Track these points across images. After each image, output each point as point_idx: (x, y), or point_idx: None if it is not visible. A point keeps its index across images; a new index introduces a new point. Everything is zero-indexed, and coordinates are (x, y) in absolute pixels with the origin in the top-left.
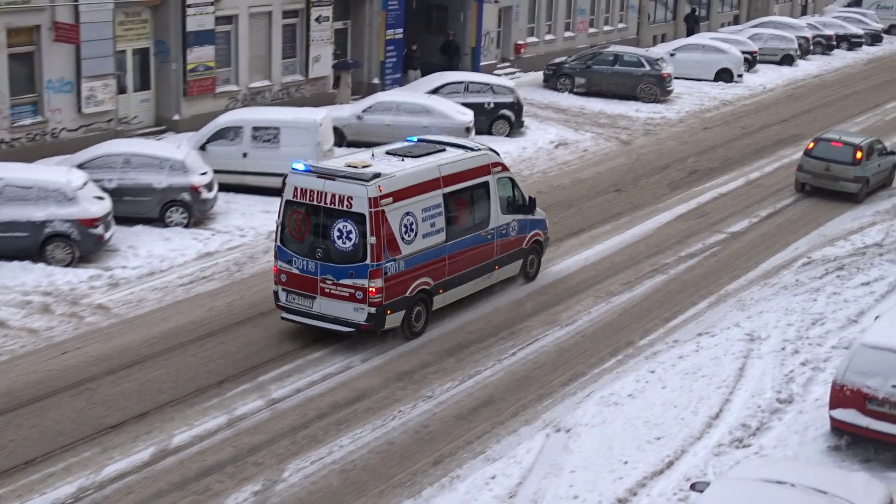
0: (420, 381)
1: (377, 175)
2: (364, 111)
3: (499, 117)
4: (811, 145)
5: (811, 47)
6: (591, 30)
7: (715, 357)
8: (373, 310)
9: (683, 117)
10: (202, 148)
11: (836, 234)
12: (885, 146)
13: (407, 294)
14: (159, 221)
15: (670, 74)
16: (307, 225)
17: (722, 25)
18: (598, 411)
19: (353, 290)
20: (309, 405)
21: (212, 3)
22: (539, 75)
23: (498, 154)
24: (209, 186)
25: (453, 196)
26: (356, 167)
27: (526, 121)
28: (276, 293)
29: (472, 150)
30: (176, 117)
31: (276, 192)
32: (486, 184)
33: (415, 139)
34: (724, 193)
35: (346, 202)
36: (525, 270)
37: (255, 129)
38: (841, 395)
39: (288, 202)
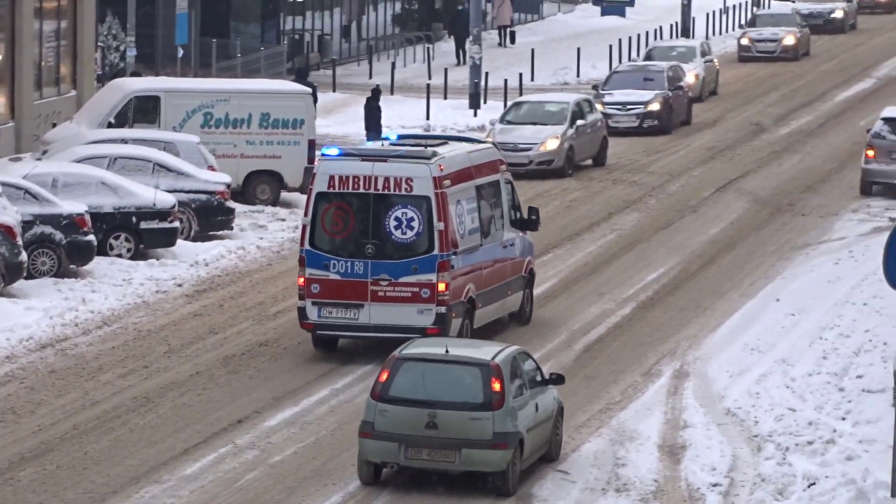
0: None
1: (435, 154)
2: None
3: None
4: (384, 377)
5: None
6: None
7: None
8: (442, 310)
9: None
10: None
11: None
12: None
13: (462, 298)
14: None
15: None
16: (351, 218)
17: None
18: None
19: (417, 289)
20: None
21: None
22: None
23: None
24: None
25: (480, 191)
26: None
27: None
28: (302, 310)
29: (477, 141)
30: None
31: None
32: (497, 183)
33: (393, 137)
34: None
35: (404, 185)
36: (523, 307)
37: None
38: None
39: (321, 195)
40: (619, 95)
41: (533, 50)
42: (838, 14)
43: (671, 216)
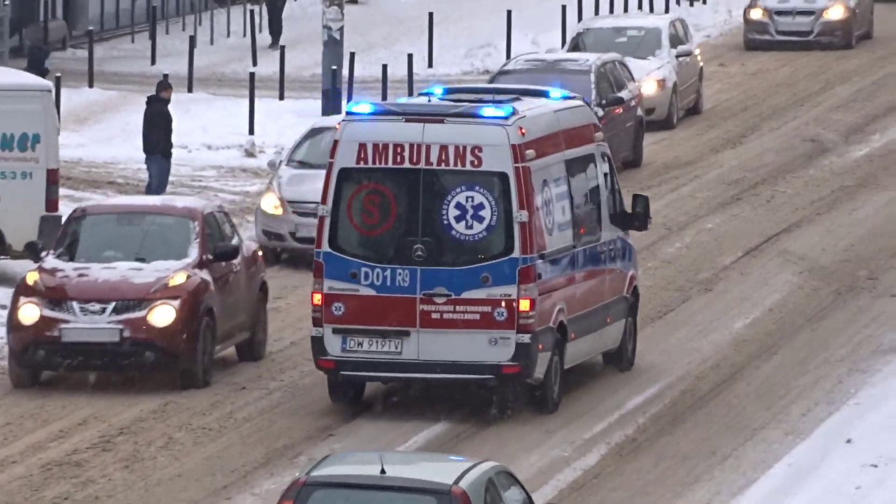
0: None
1: (513, 111)
2: None
3: None
4: None
5: None
6: None
7: None
8: (525, 338)
9: None
10: None
11: None
12: None
13: (551, 324)
14: None
15: None
16: (391, 207)
17: None
18: None
19: (488, 308)
20: None
21: None
22: None
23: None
24: None
25: (572, 167)
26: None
27: None
28: (317, 341)
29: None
30: None
31: None
32: (592, 158)
33: (435, 90)
34: None
35: (469, 156)
36: (624, 344)
37: None
38: None
39: (346, 173)
40: None
41: (431, 14)
42: None
43: (668, 298)
